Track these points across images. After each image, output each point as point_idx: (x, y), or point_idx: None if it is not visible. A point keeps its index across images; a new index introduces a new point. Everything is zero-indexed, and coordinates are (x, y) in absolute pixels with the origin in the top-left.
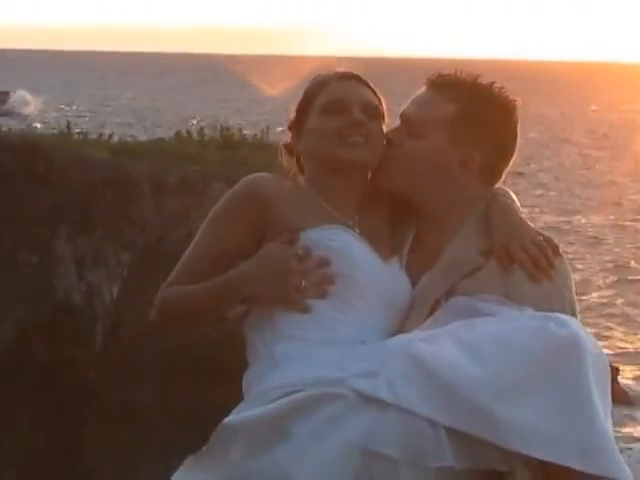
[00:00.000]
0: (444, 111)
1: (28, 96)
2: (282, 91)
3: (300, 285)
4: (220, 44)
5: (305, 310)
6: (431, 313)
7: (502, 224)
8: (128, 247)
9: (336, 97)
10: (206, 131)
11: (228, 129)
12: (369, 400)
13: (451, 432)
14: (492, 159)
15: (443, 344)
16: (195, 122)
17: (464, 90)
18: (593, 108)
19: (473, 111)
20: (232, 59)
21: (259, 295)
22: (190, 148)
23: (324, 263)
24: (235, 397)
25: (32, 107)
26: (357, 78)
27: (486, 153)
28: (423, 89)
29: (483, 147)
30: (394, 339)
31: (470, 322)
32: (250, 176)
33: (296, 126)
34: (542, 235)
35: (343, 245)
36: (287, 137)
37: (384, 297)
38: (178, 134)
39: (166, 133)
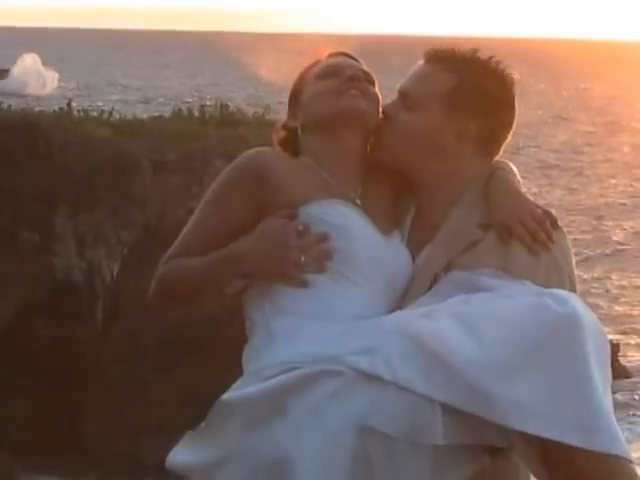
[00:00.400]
0: (441, 83)
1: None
2: (272, 69)
3: (299, 260)
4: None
5: (304, 285)
6: (431, 287)
7: (501, 197)
8: (128, 225)
9: (329, 64)
10: (206, 109)
11: (227, 107)
12: (367, 377)
13: (448, 410)
14: (489, 131)
15: (441, 321)
16: (192, 100)
17: (461, 62)
18: (583, 86)
19: (470, 82)
20: (221, 36)
21: (258, 270)
22: (190, 126)
23: (323, 238)
24: (235, 374)
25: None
26: (347, 55)
27: (482, 125)
28: (420, 63)
29: (479, 118)
30: (393, 315)
31: (469, 298)
32: (250, 151)
33: (292, 103)
34: (541, 208)
35: (342, 220)
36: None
37: (384, 272)
38: (178, 112)
39: (168, 110)
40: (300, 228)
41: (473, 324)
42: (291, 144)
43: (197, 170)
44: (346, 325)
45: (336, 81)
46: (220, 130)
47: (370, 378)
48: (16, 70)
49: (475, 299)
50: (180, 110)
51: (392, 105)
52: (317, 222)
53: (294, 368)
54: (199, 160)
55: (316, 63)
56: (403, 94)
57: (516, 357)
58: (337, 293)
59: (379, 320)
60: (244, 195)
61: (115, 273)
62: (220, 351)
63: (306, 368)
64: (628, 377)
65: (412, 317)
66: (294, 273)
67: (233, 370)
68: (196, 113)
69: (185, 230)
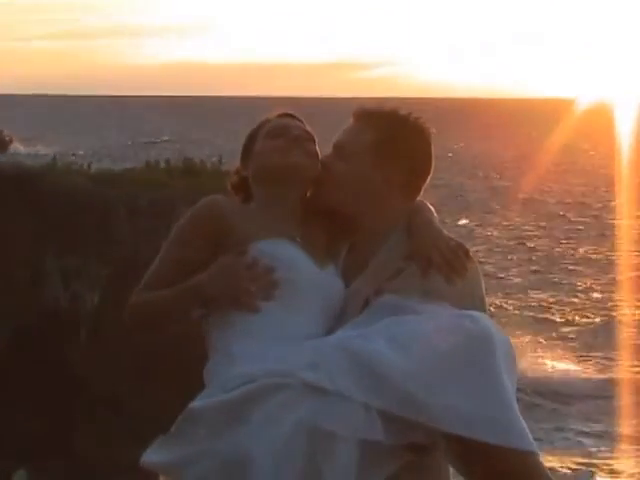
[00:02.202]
0: (365, 138)
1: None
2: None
3: (250, 289)
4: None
5: (255, 310)
6: (363, 309)
7: (422, 233)
8: (107, 261)
9: (277, 124)
10: (172, 162)
11: (190, 159)
12: (314, 389)
13: (382, 413)
14: (411, 178)
15: (375, 340)
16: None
17: (382, 119)
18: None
19: (389, 137)
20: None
21: (216, 298)
22: (158, 176)
23: (270, 270)
24: (198, 388)
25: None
26: (293, 116)
27: (405, 173)
28: (350, 121)
29: (402, 168)
30: (334, 336)
31: (398, 320)
32: (207, 197)
33: (244, 154)
34: (455, 241)
35: (286, 255)
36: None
37: (322, 298)
38: (148, 163)
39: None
40: (250, 262)
41: (404, 342)
42: (242, 189)
43: (165, 214)
44: (295, 344)
45: (283, 140)
46: (184, 179)
47: (316, 389)
48: None
49: (404, 321)
50: (149, 162)
51: (328, 157)
52: (265, 256)
53: (252, 381)
54: (166, 205)
55: (266, 121)
56: (336, 147)
57: (442, 369)
58: (284, 317)
59: (323, 340)
60: (202, 235)
61: (96, 302)
62: (188, 369)
63: (262, 381)
64: None
65: (351, 337)
66: (246, 300)
67: (198, 385)
68: (162, 164)
69: (153, 266)
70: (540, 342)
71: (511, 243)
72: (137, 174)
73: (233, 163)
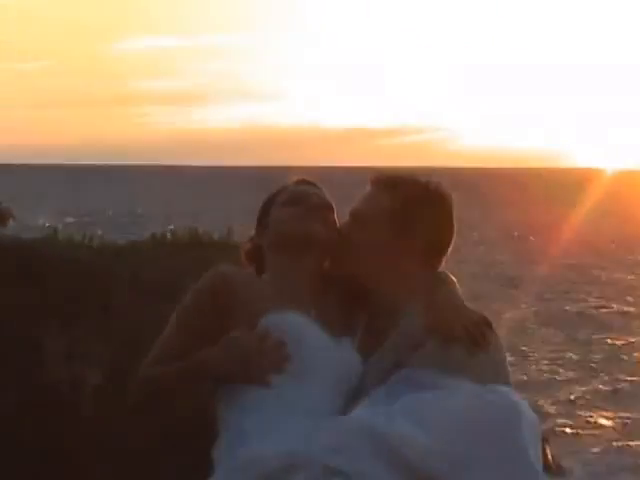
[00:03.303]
0: (382, 205)
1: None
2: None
3: (261, 363)
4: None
5: (267, 384)
6: (381, 384)
7: (444, 305)
8: (109, 340)
9: (295, 191)
10: (179, 233)
11: (196, 231)
12: (334, 472)
13: None
14: (432, 247)
15: (398, 419)
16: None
17: (400, 186)
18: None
19: (408, 205)
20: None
21: (226, 373)
22: (164, 249)
23: (281, 344)
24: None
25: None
26: (311, 183)
27: (425, 241)
28: (368, 187)
29: (422, 236)
30: (354, 415)
31: (419, 396)
32: (216, 267)
33: (260, 221)
34: (477, 314)
35: (297, 328)
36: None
37: (336, 373)
38: (153, 236)
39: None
40: (261, 335)
41: (427, 421)
42: (256, 258)
43: (170, 289)
44: (313, 422)
45: (300, 209)
46: (190, 252)
47: (337, 472)
48: None
49: (426, 398)
50: (154, 235)
51: (345, 225)
52: (276, 330)
53: (266, 465)
54: (171, 280)
55: (284, 189)
56: (353, 215)
57: (467, 447)
58: (297, 392)
59: (343, 420)
60: (210, 308)
61: (98, 380)
62: (198, 449)
63: (278, 464)
64: (563, 475)
65: (372, 417)
66: (257, 375)
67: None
68: (168, 236)
69: (161, 338)
70: None
71: None
72: (142, 247)
73: (243, 235)
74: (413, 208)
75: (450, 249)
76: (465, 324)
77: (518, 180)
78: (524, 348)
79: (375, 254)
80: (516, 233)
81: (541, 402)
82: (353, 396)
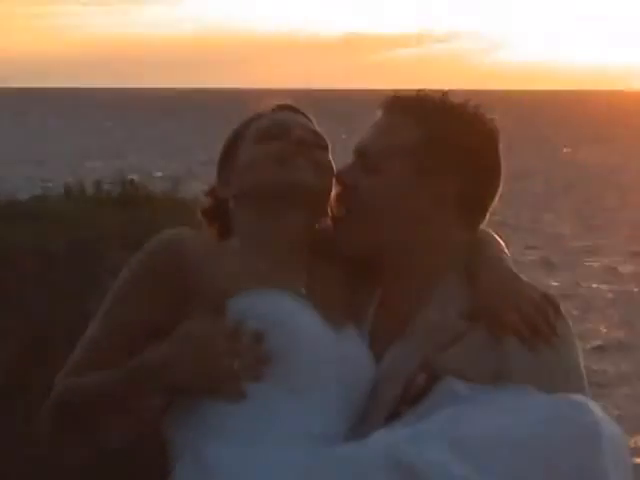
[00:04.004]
0: (407, 137)
1: None
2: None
3: (231, 368)
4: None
5: (240, 398)
6: (404, 393)
7: (489, 279)
8: (5, 337)
9: (273, 122)
10: (103, 185)
11: (132, 182)
12: None
13: None
14: (471, 192)
15: (433, 446)
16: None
17: (430, 110)
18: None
19: (443, 134)
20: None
21: (181, 383)
22: (82, 207)
23: (259, 338)
24: None
25: None
26: (295, 109)
27: (463, 185)
28: (378, 114)
29: (458, 177)
30: (373, 440)
31: (461, 414)
32: (161, 234)
33: (223, 165)
34: (539, 292)
35: (282, 313)
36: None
37: (338, 375)
38: (67, 189)
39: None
40: (230, 327)
41: (473, 450)
42: (218, 217)
43: (91, 264)
44: (311, 451)
45: (280, 144)
46: (120, 213)
47: None
48: None
49: (469, 416)
50: (68, 187)
51: (349, 170)
52: (251, 317)
53: None
54: (93, 251)
55: (257, 117)
56: (361, 154)
57: None
58: (283, 405)
59: (357, 447)
60: (158, 292)
61: None
62: None
63: None
64: None
65: (398, 442)
66: (226, 384)
67: None
68: (89, 190)
69: (83, 339)
70: None
71: None
72: (50, 205)
73: (197, 187)
74: (446, 138)
75: (497, 198)
76: (521, 306)
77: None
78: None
79: (395, 207)
80: None
81: None
82: (364, 409)
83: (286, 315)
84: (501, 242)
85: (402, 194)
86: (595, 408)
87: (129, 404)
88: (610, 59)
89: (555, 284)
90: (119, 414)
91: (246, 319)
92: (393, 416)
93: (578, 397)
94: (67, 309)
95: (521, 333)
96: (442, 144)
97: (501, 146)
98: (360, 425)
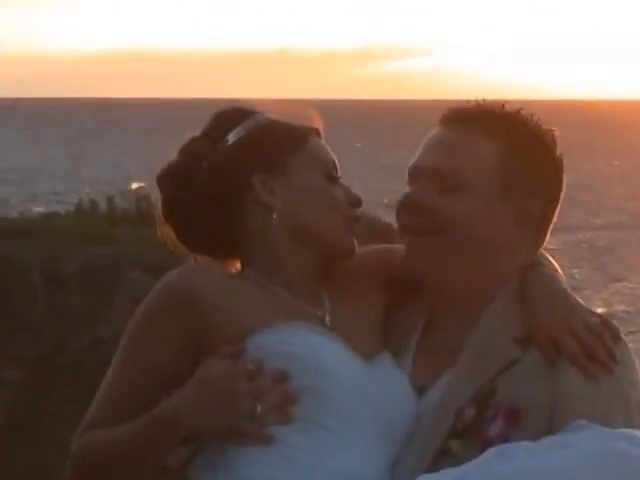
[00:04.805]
0: (487, 154)
1: None
2: None
3: (254, 410)
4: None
5: (265, 442)
6: (454, 426)
7: (544, 302)
8: (15, 360)
9: (333, 162)
10: (118, 202)
11: (147, 198)
12: None
13: None
14: (550, 213)
15: None
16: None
17: (507, 125)
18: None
19: (525, 151)
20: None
21: (201, 430)
22: (95, 226)
23: (283, 377)
24: None
25: None
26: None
27: (545, 206)
28: (442, 130)
29: (541, 198)
30: None
31: (508, 450)
32: (173, 273)
33: (273, 164)
34: (597, 316)
35: (306, 349)
36: None
37: (375, 410)
38: (79, 207)
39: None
40: (250, 367)
41: None
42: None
43: (105, 286)
44: None
45: (343, 196)
46: (136, 231)
47: None
48: None
49: (517, 452)
50: (81, 204)
51: (422, 191)
52: (273, 355)
53: None
54: (107, 272)
55: (303, 135)
56: (436, 173)
57: None
58: (314, 448)
59: None
60: (174, 335)
61: None
62: None
63: None
64: None
65: None
66: (249, 428)
67: None
68: (102, 207)
69: (103, 388)
70: None
71: None
72: (61, 223)
73: None
74: (526, 153)
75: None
76: (577, 331)
77: None
78: None
79: (475, 230)
80: None
81: None
82: (408, 445)
83: (311, 350)
84: (553, 261)
85: (485, 215)
86: None
87: (151, 458)
88: None
89: None
90: (141, 469)
91: (268, 357)
92: (443, 452)
93: (631, 431)
94: (78, 333)
95: (578, 360)
96: (525, 162)
97: None
98: (404, 462)
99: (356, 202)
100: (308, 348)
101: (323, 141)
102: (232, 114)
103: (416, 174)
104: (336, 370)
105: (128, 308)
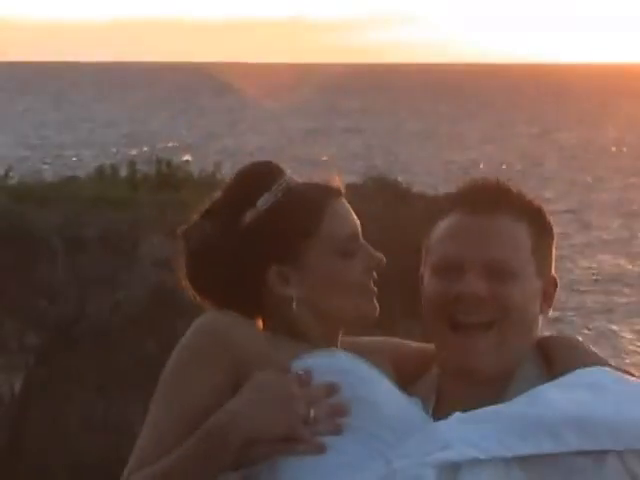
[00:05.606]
0: (521, 235)
1: None
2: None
3: (309, 416)
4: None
5: (320, 450)
6: None
7: (569, 360)
8: (34, 325)
9: (350, 235)
10: (139, 166)
11: (169, 163)
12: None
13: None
14: (553, 279)
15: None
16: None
17: (521, 201)
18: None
19: (541, 224)
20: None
21: (258, 433)
22: (116, 190)
23: (332, 389)
24: None
25: None
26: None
27: (553, 278)
28: (471, 218)
29: (551, 265)
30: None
31: (538, 392)
32: (202, 320)
33: (286, 252)
34: (619, 370)
35: (351, 365)
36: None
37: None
38: (100, 170)
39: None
40: (301, 374)
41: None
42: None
43: (125, 250)
44: None
45: (361, 268)
46: (156, 195)
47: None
48: None
49: (545, 393)
50: (102, 168)
51: (481, 284)
52: (319, 372)
53: None
54: (128, 237)
55: (321, 206)
56: (488, 265)
57: None
58: (366, 457)
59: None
60: (213, 372)
61: (17, 390)
62: None
63: None
64: None
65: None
66: (304, 433)
67: None
68: (123, 172)
69: (144, 435)
70: None
71: None
72: (81, 187)
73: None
74: (543, 231)
75: None
76: None
77: None
78: None
79: (526, 311)
80: None
81: None
82: None
83: (355, 366)
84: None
85: (532, 295)
86: None
87: (202, 477)
88: None
89: None
90: None
91: (315, 374)
92: None
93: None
94: (98, 297)
95: None
96: (544, 236)
97: None
98: None
99: (377, 265)
100: (352, 364)
101: (344, 202)
102: (253, 183)
103: (462, 267)
104: (381, 385)
105: (148, 272)
